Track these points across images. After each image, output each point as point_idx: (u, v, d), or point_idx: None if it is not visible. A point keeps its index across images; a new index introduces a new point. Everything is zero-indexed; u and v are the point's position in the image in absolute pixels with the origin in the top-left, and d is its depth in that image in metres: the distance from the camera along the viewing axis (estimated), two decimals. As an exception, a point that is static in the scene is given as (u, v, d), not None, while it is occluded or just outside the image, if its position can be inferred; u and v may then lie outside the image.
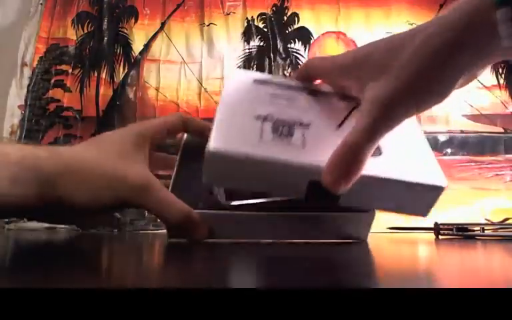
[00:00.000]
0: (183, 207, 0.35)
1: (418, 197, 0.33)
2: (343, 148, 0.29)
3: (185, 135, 0.43)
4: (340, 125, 0.34)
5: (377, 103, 0.28)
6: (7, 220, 0.74)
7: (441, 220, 0.55)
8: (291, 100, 0.36)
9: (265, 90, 0.36)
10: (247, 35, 0.94)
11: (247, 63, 0.91)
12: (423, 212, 0.34)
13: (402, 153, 0.33)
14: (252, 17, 0.95)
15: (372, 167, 0.29)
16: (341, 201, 0.31)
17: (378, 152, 0.32)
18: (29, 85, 0.88)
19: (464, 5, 0.26)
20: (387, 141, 0.30)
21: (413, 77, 0.27)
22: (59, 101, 0.88)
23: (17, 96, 0.86)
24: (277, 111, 0.34)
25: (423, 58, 0.27)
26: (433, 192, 0.33)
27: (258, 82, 0.37)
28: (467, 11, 0.25)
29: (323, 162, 0.29)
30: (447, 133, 0.86)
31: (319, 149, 0.31)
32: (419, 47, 0.27)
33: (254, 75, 0.38)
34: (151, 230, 0.76)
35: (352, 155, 0.28)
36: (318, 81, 0.38)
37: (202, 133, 0.38)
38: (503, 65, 0.89)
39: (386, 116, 0.28)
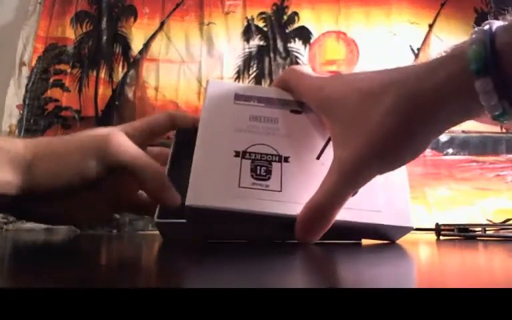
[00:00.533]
0: (158, 166, 0.36)
1: (388, 230, 0.36)
2: (311, 207, 0.30)
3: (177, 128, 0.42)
4: (319, 156, 0.35)
5: (346, 165, 0.28)
6: (5, 220, 0.74)
7: (442, 220, 0.55)
8: (271, 123, 0.36)
9: (244, 111, 0.36)
10: (247, 35, 0.93)
11: (247, 63, 0.91)
12: (396, 239, 0.37)
13: (376, 188, 0.34)
14: (252, 16, 0.94)
15: (343, 210, 0.31)
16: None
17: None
18: (27, 85, 0.88)
19: (440, 70, 0.25)
20: None
21: (382, 143, 0.27)
22: (57, 100, 0.88)
23: (15, 95, 0.86)
24: (256, 141, 0.35)
25: (393, 125, 0.26)
26: (401, 230, 0.36)
27: (238, 98, 0.37)
28: (443, 78, 0.24)
29: (299, 207, 0.31)
30: (448, 132, 0.85)
31: (296, 190, 0.34)
32: (390, 110, 0.26)
33: (235, 87, 0.38)
34: (150, 230, 0.76)
35: (319, 215, 0.30)
36: None
37: (193, 127, 0.38)
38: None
39: (353, 179, 0.29)
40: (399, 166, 0.29)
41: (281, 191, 0.33)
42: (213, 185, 0.33)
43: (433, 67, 0.25)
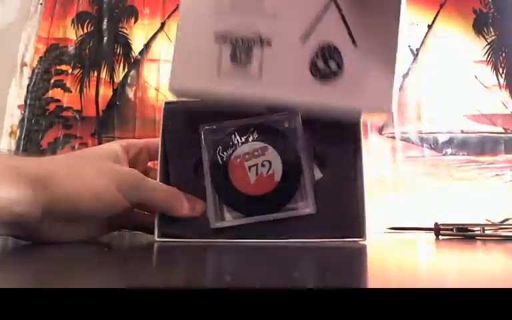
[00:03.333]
0: (170, 191, 0.37)
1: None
2: None
3: (163, 107, 0.41)
4: (305, 37, 0.34)
5: None
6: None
7: (441, 220, 0.55)
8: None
9: None
10: (247, 35, 0.94)
11: (247, 63, 0.91)
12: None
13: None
14: (252, 16, 0.94)
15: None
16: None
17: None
18: (28, 85, 0.88)
19: None
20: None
21: None
22: (58, 101, 0.88)
23: (16, 96, 0.86)
24: (237, 25, 0.34)
25: None
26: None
27: None
28: None
29: (279, 90, 0.33)
30: (447, 132, 0.86)
31: (276, 74, 0.33)
32: None
33: None
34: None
35: None
36: None
37: None
38: (503, 65, 0.89)
39: None
40: None
41: (260, 77, 0.33)
42: (194, 70, 0.34)
43: None
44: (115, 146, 0.39)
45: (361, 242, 0.37)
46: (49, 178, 0.31)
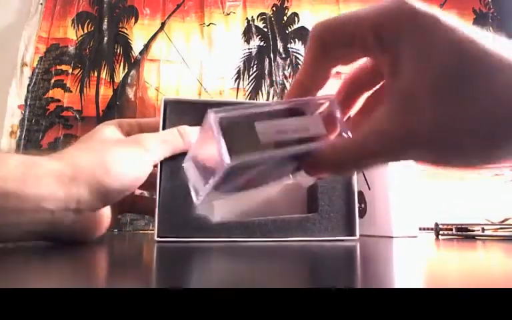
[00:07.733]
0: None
1: None
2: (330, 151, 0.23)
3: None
4: None
5: (385, 138, 0.21)
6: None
7: (441, 220, 0.55)
8: None
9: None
10: (247, 35, 0.94)
11: (247, 63, 0.91)
12: None
13: None
14: (252, 16, 0.95)
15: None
16: None
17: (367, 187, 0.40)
18: (29, 85, 0.88)
19: None
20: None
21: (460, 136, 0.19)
22: (59, 100, 0.88)
23: (17, 96, 0.86)
24: None
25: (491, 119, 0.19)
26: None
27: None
28: None
29: None
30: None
31: None
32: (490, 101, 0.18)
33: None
34: (151, 230, 0.76)
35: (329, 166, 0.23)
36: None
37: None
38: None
39: (386, 157, 0.22)
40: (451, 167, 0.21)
41: None
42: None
43: None
44: (110, 124, 0.40)
45: (352, 240, 0.39)
46: (77, 168, 0.32)
